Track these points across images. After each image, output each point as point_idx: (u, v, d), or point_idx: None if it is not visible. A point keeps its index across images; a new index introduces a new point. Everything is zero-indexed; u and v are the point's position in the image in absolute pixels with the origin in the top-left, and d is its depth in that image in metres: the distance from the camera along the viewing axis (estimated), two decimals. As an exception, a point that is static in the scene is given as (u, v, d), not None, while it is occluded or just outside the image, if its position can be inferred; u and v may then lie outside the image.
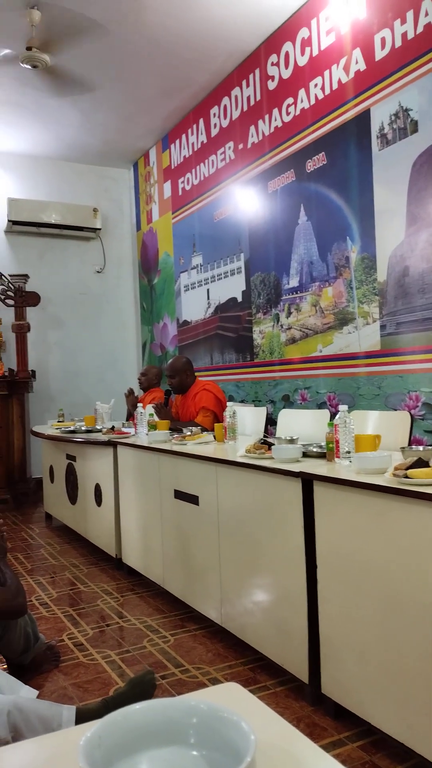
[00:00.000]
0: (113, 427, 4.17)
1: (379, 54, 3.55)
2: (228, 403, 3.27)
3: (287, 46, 4.35)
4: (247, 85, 4.85)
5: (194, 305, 5.82)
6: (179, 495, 2.96)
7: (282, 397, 4.52)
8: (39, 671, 2.41)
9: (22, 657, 2.34)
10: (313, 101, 4.11)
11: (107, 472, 3.83)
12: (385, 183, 3.55)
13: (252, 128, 4.80)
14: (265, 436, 3.24)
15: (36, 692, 1.99)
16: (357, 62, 3.72)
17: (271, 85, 4.56)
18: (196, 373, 4.33)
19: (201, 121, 5.57)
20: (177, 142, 6.05)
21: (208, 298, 5.56)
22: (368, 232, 3.68)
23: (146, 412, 3.81)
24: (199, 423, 3.84)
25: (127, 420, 4.86)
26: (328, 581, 2.00)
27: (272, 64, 4.53)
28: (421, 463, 1.78)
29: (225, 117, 5.19)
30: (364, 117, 3.67)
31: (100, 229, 6.91)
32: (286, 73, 4.38)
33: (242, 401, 4.96)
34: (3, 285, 6.14)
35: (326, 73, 3.98)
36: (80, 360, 6.94)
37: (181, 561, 2.98)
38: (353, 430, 2.19)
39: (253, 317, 4.86)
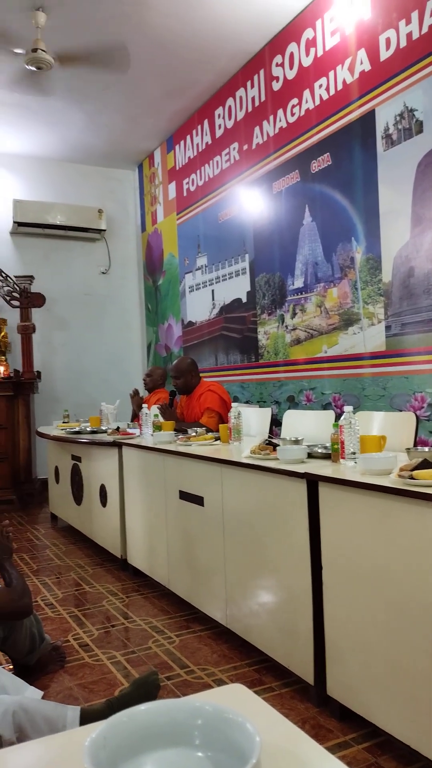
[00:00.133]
0: (118, 427, 4.18)
1: (384, 54, 3.55)
2: (233, 404, 3.27)
3: (292, 47, 4.35)
4: (252, 86, 4.85)
5: (199, 306, 5.82)
6: (184, 496, 2.96)
7: (287, 397, 4.52)
8: (44, 672, 2.41)
9: (28, 657, 2.34)
10: (317, 102, 4.11)
11: (112, 472, 3.83)
12: (390, 183, 3.55)
13: (257, 129, 4.80)
14: (270, 437, 3.23)
15: (41, 693, 2.00)
16: (362, 63, 3.72)
17: (276, 86, 4.56)
18: (201, 374, 4.33)
19: (206, 122, 5.58)
20: (182, 143, 6.06)
21: (213, 299, 5.56)
22: (373, 232, 3.67)
23: (151, 412, 3.82)
24: (204, 424, 3.84)
25: (132, 421, 4.86)
26: (334, 582, 1.99)
27: (277, 65, 4.53)
28: (426, 464, 1.77)
29: (230, 118, 5.19)
30: (369, 117, 3.66)
31: (105, 230, 6.92)
32: (291, 74, 4.38)
33: (247, 402, 4.96)
34: (8, 286, 6.16)
35: (331, 73, 3.97)
36: (85, 361, 6.95)
37: (186, 562, 2.98)
38: (358, 431, 2.19)
39: (258, 318, 4.86)
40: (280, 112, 4.50)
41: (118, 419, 4.80)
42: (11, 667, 2.39)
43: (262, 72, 4.72)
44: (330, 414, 3.33)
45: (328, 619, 2.02)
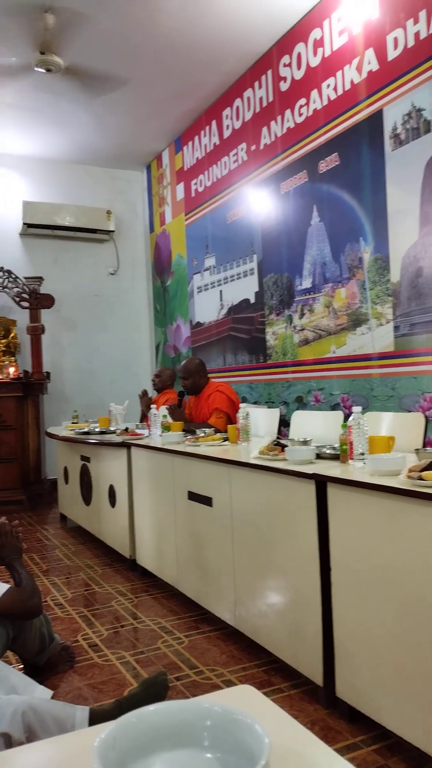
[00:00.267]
0: (127, 428, 4.19)
1: (392, 54, 3.54)
2: (241, 405, 3.26)
3: (299, 47, 4.34)
4: (260, 87, 4.85)
5: (207, 307, 5.82)
6: (193, 496, 2.97)
7: (295, 398, 4.51)
8: (54, 672, 2.42)
9: (38, 657, 2.35)
10: (325, 102, 4.10)
11: (121, 473, 3.84)
12: (398, 183, 3.53)
13: (264, 129, 4.80)
14: (278, 438, 3.23)
15: (51, 692, 2.01)
16: (369, 62, 3.71)
17: (284, 86, 4.55)
18: (209, 375, 4.34)
19: (213, 122, 5.58)
20: (190, 144, 6.06)
21: (221, 300, 5.56)
22: (381, 232, 3.66)
23: (160, 413, 3.82)
24: (213, 424, 3.84)
25: (141, 421, 4.87)
26: (343, 583, 1.99)
27: (284, 65, 4.53)
28: (435, 465, 1.77)
29: (237, 118, 5.19)
30: (377, 117, 3.65)
31: (113, 231, 6.94)
32: (299, 74, 4.37)
33: (255, 403, 4.96)
34: (18, 287, 6.19)
35: (339, 73, 3.97)
36: (94, 361, 6.97)
37: (194, 562, 2.98)
38: (367, 431, 2.18)
39: (266, 318, 4.85)
40: (288, 112, 4.50)
41: (126, 420, 4.81)
42: (21, 666, 2.40)
43: (269, 72, 4.72)
44: (338, 415, 3.32)
45: (336, 621, 2.02)
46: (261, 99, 4.84)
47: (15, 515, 5.40)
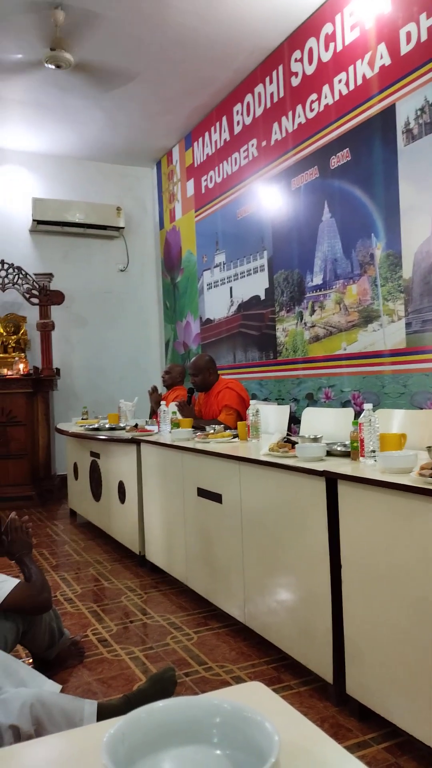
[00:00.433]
0: (136, 424, 4.19)
1: (405, 48, 3.51)
2: (251, 402, 3.26)
3: (311, 42, 4.32)
4: (271, 82, 4.83)
5: (217, 303, 5.81)
6: (202, 493, 2.96)
7: (305, 395, 4.50)
8: (63, 666, 2.43)
9: (47, 652, 2.36)
10: (337, 97, 4.08)
11: (131, 469, 3.85)
12: (410, 179, 3.51)
13: (275, 125, 4.78)
14: (288, 435, 3.22)
15: (59, 687, 2.01)
16: (382, 57, 3.68)
17: (295, 82, 4.53)
18: (219, 372, 4.33)
19: (224, 118, 5.56)
20: (200, 140, 6.05)
21: (231, 296, 5.55)
22: (393, 228, 3.63)
23: (169, 410, 3.82)
24: (222, 421, 3.84)
25: (151, 418, 4.88)
26: (353, 581, 1.98)
27: (296, 61, 4.50)
28: (447, 463, 1.75)
29: (248, 114, 5.17)
30: (389, 112, 3.62)
31: (123, 227, 6.94)
32: (310, 69, 4.35)
33: (265, 399, 4.94)
34: (28, 284, 6.20)
35: (350, 68, 3.94)
36: (104, 358, 6.98)
37: (204, 559, 2.98)
38: (378, 428, 2.17)
39: (277, 315, 4.84)
40: (299, 107, 4.47)
41: (136, 416, 4.82)
42: (31, 661, 2.42)
43: (280, 68, 4.69)
44: (349, 412, 3.30)
45: (347, 618, 2.01)
46: (272, 94, 4.82)
47: (25, 511, 5.43)
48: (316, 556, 2.12)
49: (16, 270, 6.15)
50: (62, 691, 2.03)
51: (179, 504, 3.21)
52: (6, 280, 6.13)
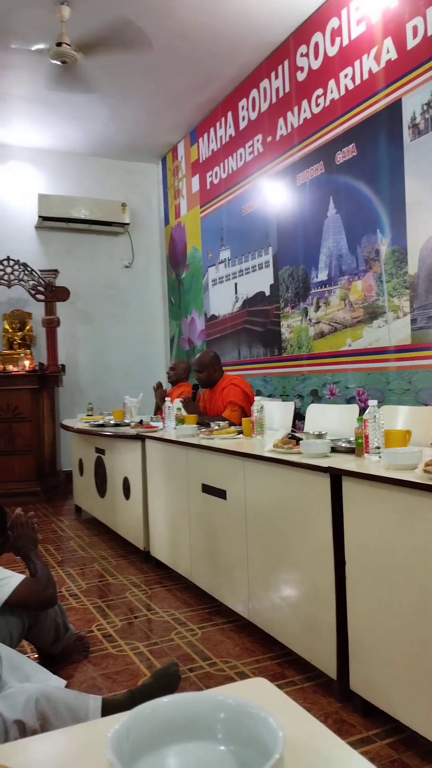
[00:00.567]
0: (141, 420, 4.20)
1: (411, 42, 3.49)
2: (255, 398, 3.25)
3: (317, 37, 4.30)
4: (276, 77, 4.81)
5: (222, 299, 5.81)
6: (207, 489, 2.97)
7: (310, 391, 4.49)
8: (69, 661, 2.44)
9: (53, 647, 2.37)
10: (343, 92, 4.06)
11: (135, 465, 3.85)
12: (416, 174, 3.49)
13: (281, 120, 4.76)
14: (293, 431, 3.22)
15: (64, 682, 2.02)
16: (388, 51, 3.66)
17: (301, 77, 4.51)
18: (224, 368, 4.33)
19: (229, 114, 5.55)
20: (205, 135, 6.03)
21: (236, 293, 5.54)
22: (399, 224, 3.62)
23: (174, 406, 3.83)
24: (227, 417, 3.84)
25: (155, 414, 4.88)
26: (357, 577, 1.98)
27: (301, 55, 4.48)
28: (452, 459, 1.75)
29: (253, 110, 5.15)
30: (395, 107, 3.61)
31: (128, 223, 6.94)
32: (316, 64, 4.33)
33: (270, 396, 4.94)
34: (33, 280, 6.21)
35: (356, 63, 3.92)
36: (109, 354, 6.99)
37: (208, 555, 2.98)
38: (383, 425, 2.16)
39: (281, 311, 4.83)
40: (305, 102, 4.46)
41: (141, 412, 4.82)
42: (36, 656, 2.43)
43: (286, 63, 4.67)
44: (354, 408, 3.30)
45: (351, 614, 2.01)
46: (277, 90, 4.80)
47: (30, 506, 5.45)
48: (321, 553, 2.12)
49: (21, 266, 6.16)
50: (67, 686, 2.05)
51: (184, 500, 3.22)
52: (11, 277, 6.15)
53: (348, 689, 2.03)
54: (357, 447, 2.23)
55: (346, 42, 4.02)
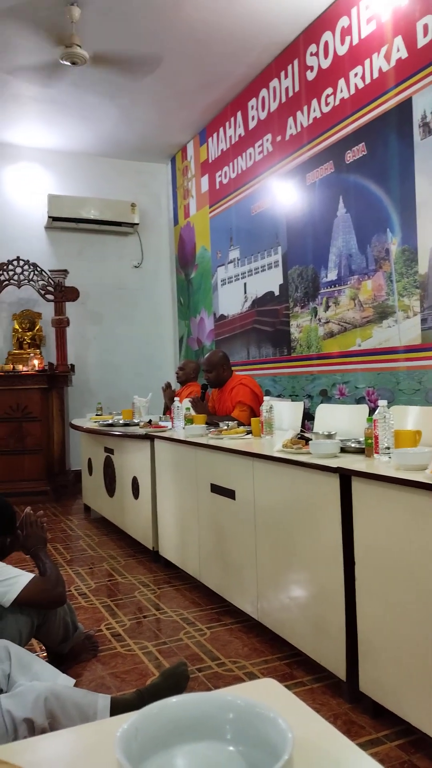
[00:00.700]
0: (150, 420, 4.20)
1: (422, 41, 3.47)
2: (265, 398, 3.25)
3: (327, 36, 4.28)
4: (286, 77, 4.80)
5: (231, 299, 5.80)
6: (216, 489, 2.96)
7: (319, 391, 4.48)
8: (77, 660, 2.44)
9: (62, 646, 2.38)
10: (353, 91, 4.04)
11: (144, 465, 3.86)
12: (427, 173, 3.47)
13: (290, 120, 4.75)
14: (302, 431, 3.21)
15: (73, 681, 2.03)
16: (398, 50, 3.64)
17: (310, 76, 4.50)
18: (233, 368, 4.32)
19: (239, 113, 5.54)
20: (214, 135, 6.03)
21: (245, 292, 5.54)
22: (409, 223, 3.60)
23: (183, 406, 3.83)
24: (236, 417, 3.84)
25: (164, 414, 4.89)
26: (367, 578, 1.97)
27: (311, 55, 4.47)
28: (463, 460, 1.74)
29: (263, 109, 5.14)
30: (406, 106, 3.59)
31: (137, 224, 6.95)
32: (326, 63, 4.31)
33: (279, 396, 4.93)
34: (43, 280, 6.24)
35: (366, 62, 3.90)
36: (118, 354, 7.00)
37: (217, 555, 2.98)
38: (392, 425, 2.15)
39: (291, 311, 4.82)
40: (315, 102, 4.44)
41: (150, 412, 4.83)
42: (45, 655, 2.43)
43: (296, 62, 4.66)
44: (363, 408, 3.28)
45: (360, 615, 2.00)
46: (287, 89, 4.79)
47: (40, 506, 5.47)
48: (330, 553, 2.12)
49: (31, 267, 6.18)
50: (76, 685, 2.05)
51: (193, 500, 3.22)
52: (22, 277, 6.17)
53: (357, 690, 2.02)
54: (367, 447, 2.22)
55: (356, 41, 4.00)
